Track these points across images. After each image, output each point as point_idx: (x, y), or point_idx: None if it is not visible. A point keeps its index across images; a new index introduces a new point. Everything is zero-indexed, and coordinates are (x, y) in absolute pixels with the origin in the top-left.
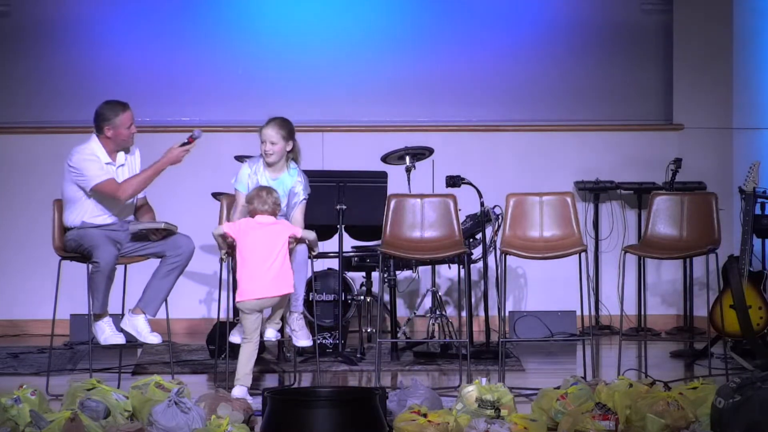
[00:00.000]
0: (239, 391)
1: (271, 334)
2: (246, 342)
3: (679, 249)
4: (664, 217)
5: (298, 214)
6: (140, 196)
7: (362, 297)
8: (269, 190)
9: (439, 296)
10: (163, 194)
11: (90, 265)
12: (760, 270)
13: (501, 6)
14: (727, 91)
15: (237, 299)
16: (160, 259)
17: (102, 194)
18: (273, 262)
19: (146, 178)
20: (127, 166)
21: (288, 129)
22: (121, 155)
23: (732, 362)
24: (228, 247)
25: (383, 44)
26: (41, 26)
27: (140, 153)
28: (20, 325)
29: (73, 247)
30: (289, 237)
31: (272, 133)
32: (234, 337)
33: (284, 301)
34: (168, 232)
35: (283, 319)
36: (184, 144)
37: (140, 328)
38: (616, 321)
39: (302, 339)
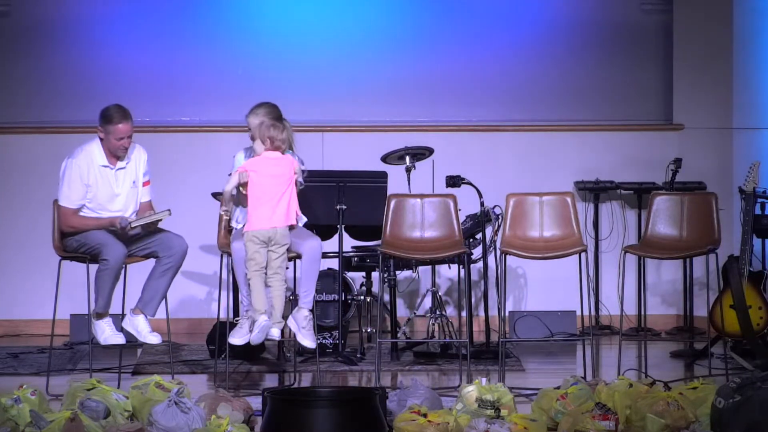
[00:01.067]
0: (263, 321)
1: (276, 333)
2: (256, 274)
3: (679, 249)
4: (664, 217)
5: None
6: (144, 199)
7: (362, 297)
8: (282, 127)
9: (439, 296)
10: (164, 194)
11: (99, 263)
12: (760, 270)
13: (501, 6)
14: (727, 91)
15: (246, 229)
16: (155, 260)
17: (56, 212)
18: (283, 194)
19: (91, 226)
20: (129, 169)
21: (271, 115)
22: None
23: (732, 362)
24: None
25: (383, 44)
26: (41, 26)
27: (147, 155)
28: (20, 325)
29: (74, 247)
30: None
31: (255, 121)
32: (234, 338)
33: (284, 254)
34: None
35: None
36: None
37: (140, 327)
38: (616, 321)
39: (307, 339)
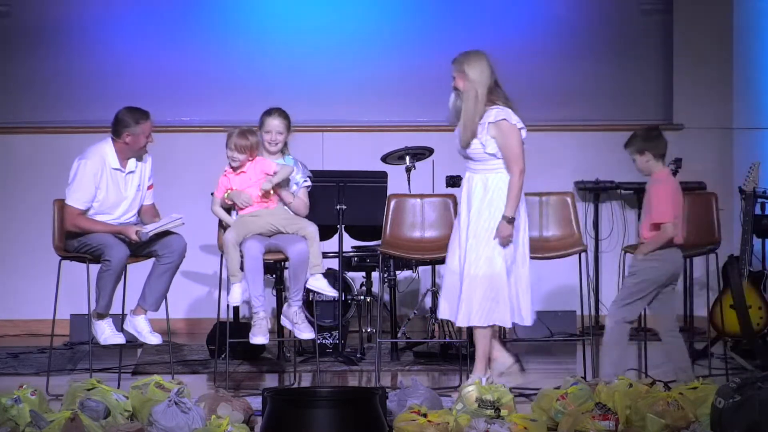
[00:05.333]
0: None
1: (308, 335)
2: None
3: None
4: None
5: (303, 197)
6: (147, 202)
7: (362, 297)
8: (242, 133)
9: (439, 296)
10: (163, 194)
11: (101, 264)
12: (760, 270)
13: (501, 6)
14: (727, 91)
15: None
16: (154, 259)
17: (63, 211)
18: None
19: (97, 230)
20: (138, 173)
21: (289, 120)
22: (132, 162)
23: (732, 362)
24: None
25: (383, 44)
26: (42, 26)
27: (152, 160)
28: (20, 325)
29: (75, 247)
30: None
31: (279, 123)
32: (256, 338)
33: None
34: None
35: (279, 318)
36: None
37: (141, 327)
38: None
39: (305, 332)
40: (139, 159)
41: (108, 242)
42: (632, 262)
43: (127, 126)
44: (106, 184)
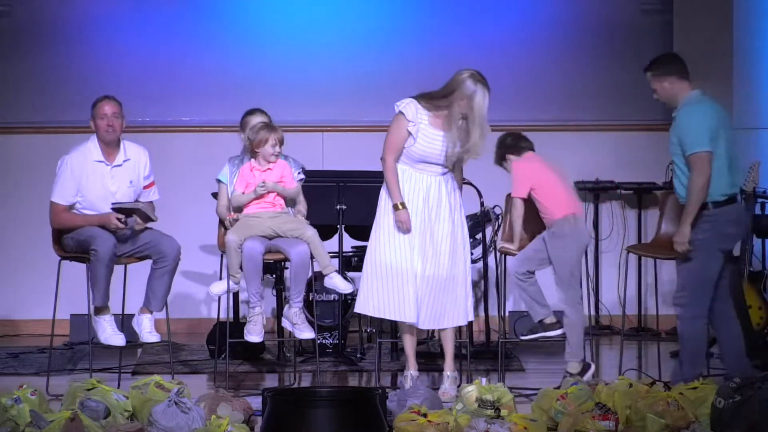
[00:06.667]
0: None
1: (308, 335)
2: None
3: None
4: (667, 218)
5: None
6: (143, 199)
7: None
8: (272, 128)
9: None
10: (163, 194)
11: (90, 257)
12: (760, 270)
13: (500, 5)
14: (727, 91)
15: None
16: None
17: (50, 210)
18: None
19: (79, 223)
20: (130, 168)
21: (268, 118)
22: (120, 156)
23: None
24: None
25: (384, 44)
26: (41, 26)
27: (148, 157)
28: (20, 325)
29: (73, 246)
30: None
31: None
32: (251, 336)
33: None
34: (146, 218)
35: (279, 319)
36: (120, 219)
37: (143, 326)
38: (616, 321)
39: (305, 332)
40: (113, 146)
41: (94, 233)
42: (548, 254)
43: (91, 110)
44: (87, 177)
